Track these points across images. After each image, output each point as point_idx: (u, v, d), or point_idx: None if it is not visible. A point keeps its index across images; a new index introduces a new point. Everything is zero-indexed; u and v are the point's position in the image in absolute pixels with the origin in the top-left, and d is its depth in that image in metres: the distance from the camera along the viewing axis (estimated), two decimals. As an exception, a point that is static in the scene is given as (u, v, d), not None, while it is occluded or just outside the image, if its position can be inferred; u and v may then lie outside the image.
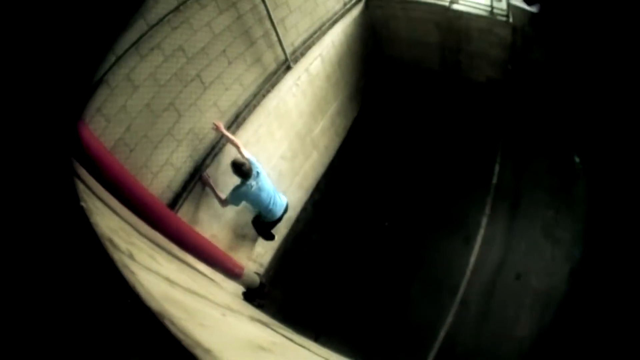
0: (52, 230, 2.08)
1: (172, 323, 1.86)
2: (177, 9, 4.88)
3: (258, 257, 7.00)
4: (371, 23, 8.15)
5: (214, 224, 5.93)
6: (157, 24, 4.68)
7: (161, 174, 5.13)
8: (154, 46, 4.73)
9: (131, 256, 2.65)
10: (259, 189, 5.57)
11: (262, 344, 3.29)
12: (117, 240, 2.61)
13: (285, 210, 6.21)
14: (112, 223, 3.21)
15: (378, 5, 7.87)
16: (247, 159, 5.46)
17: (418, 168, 7.66)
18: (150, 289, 2.20)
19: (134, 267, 2.39)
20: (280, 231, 7.30)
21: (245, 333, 3.48)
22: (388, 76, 8.94)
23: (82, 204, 2.37)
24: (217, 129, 5.45)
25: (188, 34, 5.12)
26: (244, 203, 5.74)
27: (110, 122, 4.41)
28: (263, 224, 6.25)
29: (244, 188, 5.45)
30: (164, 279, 2.99)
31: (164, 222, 4.79)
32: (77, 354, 1.69)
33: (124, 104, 4.52)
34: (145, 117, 4.81)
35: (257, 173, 5.52)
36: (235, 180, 5.53)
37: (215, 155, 5.74)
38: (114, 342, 1.76)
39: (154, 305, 1.93)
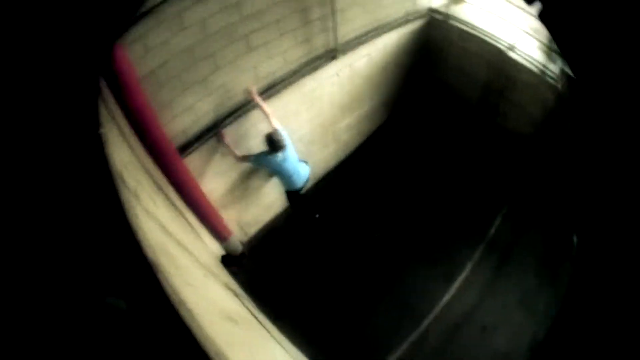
0: (67, 156, 2.08)
1: (164, 277, 1.84)
2: None
3: (246, 225, 6.93)
4: (426, 40, 7.96)
5: (216, 180, 5.85)
6: None
7: (180, 117, 5.04)
8: None
9: (136, 195, 2.63)
10: (284, 159, 5.62)
11: (231, 315, 3.31)
12: (126, 175, 2.57)
13: (307, 181, 6.30)
14: (124, 155, 3.16)
15: (438, 26, 7.70)
16: (276, 130, 5.46)
17: (424, 191, 7.52)
18: (149, 237, 2.18)
19: (138, 208, 2.36)
20: (275, 207, 7.27)
21: (220, 300, 3.47)
22: (425, 96, 8.75)
23: (101, 130, 2.37)
24: (249, 93, 5.35)
25: None
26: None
27: (148, 53, 4.31)
28: (287, 193, 6.39)
29: (269, 157, 5.54)
30: (160, 226, 2.95)
31: (170, 163, 4.77)
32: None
33: (167, 40, 4.42)
34: (184, 59, 4.70)
35: (285, 145, 5.54)
36: (255, 144, 5.67)
37: (239, 117, 5.63)
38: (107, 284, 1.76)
39: (150, 255, 1.90)
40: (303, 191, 6.42)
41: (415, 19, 7.55)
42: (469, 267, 6.33)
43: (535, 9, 6.05)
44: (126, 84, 3.87)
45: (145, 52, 4.28)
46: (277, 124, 5.49)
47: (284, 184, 6.06)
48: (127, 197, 2.18)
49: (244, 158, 5.57)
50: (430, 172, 7.80)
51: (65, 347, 1.62)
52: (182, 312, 1.82)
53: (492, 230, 6.69)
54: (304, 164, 6.15)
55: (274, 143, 5.39)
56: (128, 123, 4.10)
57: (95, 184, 2.06)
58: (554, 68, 6.30)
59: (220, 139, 5.40)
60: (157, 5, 4.12)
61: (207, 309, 2.62)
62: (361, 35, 6.76)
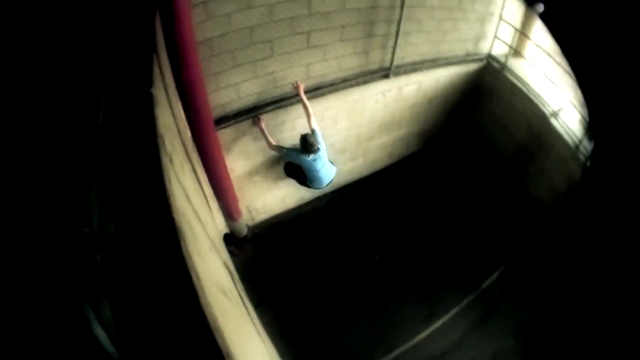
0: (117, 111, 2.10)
1: (183, 243, 1.87)
2: None
3: (255, 211, 6.93)
4: (478, 85, 7.94)
5: (240, 160, 5.87)
6: None
7: (224, 91, 5.08)
8: None
9: (171, 160, 2.64)
10: (314, 159, 5.53)
11: (225, 290, 3.36)
12: (166, 138, 2.58)
13: (329, 183, 6.20)
14: (166, 118, 3.18)
15: (493, 74, 7.68)
16: (313, 131, 5.45)
17: (433, 227, 7.45)
18: (177, 203, 2.20)
19: (171, 173, 2.38)
20: (287, 201, 7.28)
21: (218, 274, 3.50)
22: (460, 137, 8.73)
23: (152, 90, 2.37)
24: (296, 87, 5.36)
25: None
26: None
27: (208, 20, 4.39)
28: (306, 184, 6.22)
29: (302, 156, 5.47)
30: (184, 194, 2.98)
31: (205, 132, 4.77)
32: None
33: (230, 13, 4.49)
34: (242, 37, 4.76)
35: (319, 149, 5.45)
36: (287, 136, 5.81)
37: (279, 107, 5.66)
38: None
39: (177, 220, 1.93)
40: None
41: (473, 61, 7.55)
42: (452, 312, 6.25)
43: (537, 9, 6.15)
44: (182, 39, 3.86)
45: (206, 18, 4.35)
46: (315, 125, 5.45)
47: (308, 179, 5.91)
48: (164, 160, 2.20)
49: (276, 148, 5.53)
50: (444, 210, 7.74)
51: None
52: (193, 277, 1.87)
53: (485, 284, 6.59)
54: (331, 165, 6.00)
55: (307, 145, 5.32)
56: (175, 82, 4.11)
57: (139, 143, 2.08)
58: (588, 146, 6.24)
59: (256, 122, 5.39)
60: None
61: (210, 279, 2.66)
62: (417, 63, 6.75)
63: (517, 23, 7.63)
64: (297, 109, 5.67)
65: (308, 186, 6.07)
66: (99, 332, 1.60)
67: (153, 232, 1.86)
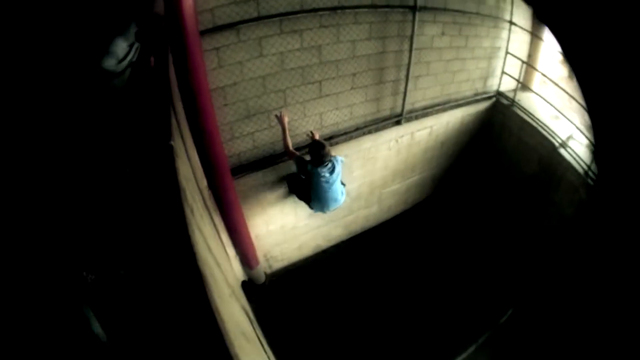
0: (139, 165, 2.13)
1: (208, 289, 1.90)
2: (334, 9, 4.61)
3: (272, 259, 6.55)
4: (487, 124, 7.61)
5: (256, 209, 5.56)
6: (309, 11, 4.45)
7: (240, 140, 4.87)
8: (297, 30, 4.48)
9: (192, 211, 2.56)
10: (324, 175, 4.74)
11: (245, 333, 3.30)
12: (187, 190, 2.55)
13: (335, 208, 5.39)
14: (185, 169, 3.07)
15: (502, 111, 7.34)
16: (326, 145, 4.70)
17: (447, 271, 6.98)
18: (200, 252, 2.16)
19: (193, 224, 2.32)
20: (304, 250, 6.91)
21: (238, 318, 3.45)
22: (472, 178, 8.33)
23: (172, 142, 2.37)
24: (312, 137, 4.91)
25: (331, 40, 4.82)
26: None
27: (221, 68, 4.20)
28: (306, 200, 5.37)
29: (312, 169, 4.68)
30: (205, 243, 2.90)
31: (222, 181, 4.49)
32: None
33: (242, 62, 4.30)
34: (255, 86, 4.57)
35: (333, 168, 4.74)
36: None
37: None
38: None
39: (201, 268, 1.92)
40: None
41: (483, 99, 7.25)
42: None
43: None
44: (198, 86, 3.63)
45: (218, 66, 4.18)
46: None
47: (312, 200, 5.12)
48: (187, 212, 2.15)
49: (292, 154, 4.73)
50: (459, 252, 7.29)
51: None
52: (217, 318, 1.85)
53: (498, 325, 5.99)
54: (342, 188, 5.24)
55: (318, 153, 4.53)
56: (192, 131, 3.92)
57: (163, 196, 2.07)
58: (596, 170, 5.86)
59: (279, 118, 4.60)
60: (240, 23, 4.06)
61: (231, 321, 2.65)
62: (428, 107, 6.46)
63: (524, 54, 7.42)
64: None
65: (310, 206, 5.28)
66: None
67: (179, 280, 1.85)
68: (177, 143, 2.69)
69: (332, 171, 4.72)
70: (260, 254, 6.03)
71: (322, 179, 4.74)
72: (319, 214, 5.77)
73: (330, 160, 4.68)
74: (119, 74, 2.49)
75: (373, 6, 4.92)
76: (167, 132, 2.48)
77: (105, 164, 2.11)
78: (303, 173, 4.89)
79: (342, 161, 4.90)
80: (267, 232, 6.02)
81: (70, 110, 2.14)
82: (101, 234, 1.85)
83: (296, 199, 5.50)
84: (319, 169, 4.63)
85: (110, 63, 2.41)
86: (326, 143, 4.58)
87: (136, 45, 2.59)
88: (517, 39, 7.15)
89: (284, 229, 6.20)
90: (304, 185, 5.05)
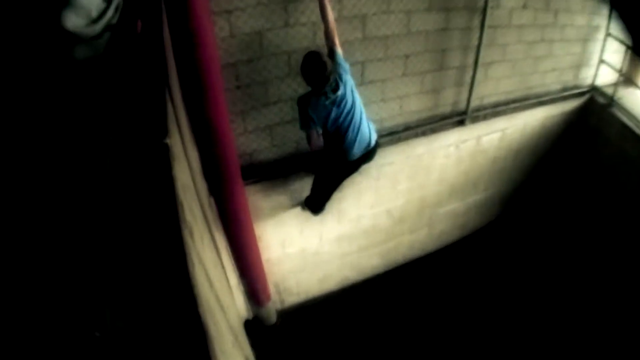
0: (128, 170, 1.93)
1: (210, 342, 1.76)
2: None
3: (286, 292, 6.22)
4: (577, 128, 7.03)
5: (270, 226, 5.24)
6: None
7: (254, 136, 4.59)
8: None
9: (191, 233, 2.34)
10: (333, 103, 3.79)
11: None
12: (185, 204, 2.32)
13: (371, 151, 4.32)
14: (184, 176, 2.81)
15: (597, 112, 6.75)
16: (333, 52, 3.86)
17: (508, 322, 6.40)
18: (201, 292, 1.98)
19: (193, 254, 2.12)
20: (328, 283, 6.54)
21: None
22: (554, 200, 7.75)
23: (167, 140, 2.17)
24: None
25: (379, 9, 4.41)
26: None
27: (233, 38, 3.89)
28: (331, 166, 4.41)
29: (314, 100, 3.75)
30: (206, 276, 2.69)
31: (229, 189, 4.16)
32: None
33: (262, 31, 3.99)
34: (277, 65, 4.28)
35: (337, 84, 3.76)
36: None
37: None
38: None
39: (203, 316, 1.78)
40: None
41: (572, 96, 6.70)
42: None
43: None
44: (202, 52, 3.23)
45: (229, 35, 3.87)
46: (338, 47, 3.90)
47: (332, 145, 4.06)
48: (186, 236, 1.94)
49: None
50: (524, 296, 6.73)
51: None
52: None
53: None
54: (371, 123, 4.26)
55: (315, 71, 3.58)
56: (192, 122, 3.58)
57: (156, 216, 1.87)
58: None
59: None
60: None
61: None
62: (501, 104, 5.98)
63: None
64: None
65: (338, 161, 4.25)
66: None
67: (178, 331, 1.67)
68: (174, 140, 2.40)
69: (336, 86, 3.77)
70: (270, 283, 5.69)
71: (333, 107, 3.81)
72: (347, 236, 5.70)
73: (335, 79, 3.76)
74: (91, 40, 2.09)
75: (436, -36, 4.48)
76: (162, 126, 2.20)
77: (72, 165, 1.87)
78: (307, 113, 3.81)
79: (340, 61, 3.88)
80: (282, 256, 5.68)
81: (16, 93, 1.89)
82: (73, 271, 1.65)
83: (322, 214, 5.19)
84: (324, 99, 3.74)
85: (77, 22, 1.99)
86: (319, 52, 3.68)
87: (117, 0, 2.18)
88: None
89: (303, 254, 5.85)
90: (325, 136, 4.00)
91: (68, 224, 1.72)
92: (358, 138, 4.03)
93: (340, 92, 3.75)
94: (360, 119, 4.01)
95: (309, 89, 3.71)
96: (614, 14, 6.16)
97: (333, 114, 3.81)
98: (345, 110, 3.87)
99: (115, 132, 2.04)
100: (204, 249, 3.09)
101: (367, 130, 4.12)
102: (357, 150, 4.11)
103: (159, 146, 2.08)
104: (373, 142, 4.23)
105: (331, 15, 3.75)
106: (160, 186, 1.93)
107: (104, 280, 1.64)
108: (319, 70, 3.53)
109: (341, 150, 4.05)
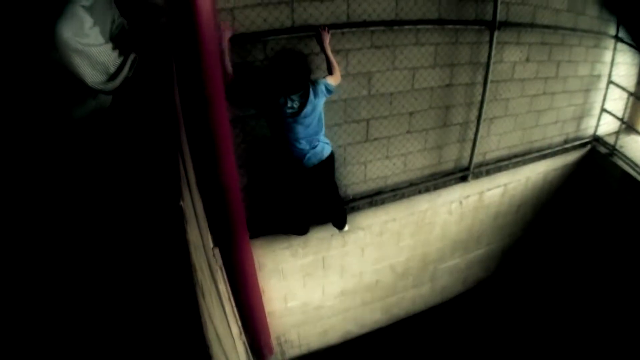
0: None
1: None
2: (390, 24, 4.04)
3: (287, 344, 5.99)
4: (579, 180, 6.84)
5: (272, 279, 5.06)
6: (359, 25, 3.93)
7: (260, 189, 4.44)
8: (341, 49, 4.00)
9: (203, 293, 2.30)
10: (294, 116, 3.47)
11: None
12: (196, 263, 2.26)
13: (324, 160, 3.82)
14: (194, 235, 2.72)
15: (599, 163, 6.57)
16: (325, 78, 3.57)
17: None
18: (214, 351, 1.95)
19: (206, 315, 2.06)
20: (330, 336, 6.31)
21: None
22: (556, 254, 7.48)
23: (181, 203, 2.14)
24: (322, 34, 3.59)
25: (384, 66, 4.27)
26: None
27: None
28: (289, 179, 3.96)
29: (273, 99, 3.42)
30: (215, 333, 2.57)
31: (236, 245, 3.97)
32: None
33: None
34: None
35: (306, 98, 3.45)
36: (338, 254, 5.06)
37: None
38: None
39: None
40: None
41: (574, 148, 6.53)
42: None
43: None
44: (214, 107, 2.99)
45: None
46: (333, 78, 3.62)
47: (287, 151, 3.68)
48: (199, 298, 1.90)
49: (232, 83, 3.29)
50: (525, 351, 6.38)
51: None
52: None
53: None
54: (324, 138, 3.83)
55: (284, 71, 3.29)
56: (199, 178, 3.38)
57: (170, 275, 1.82)
58: None
59: (222, 30, 3.23)
60: (269, 34, 3.60)
61: None
62: (503, 159, 5.79)
63: (631, 83, 6.70)
64: (351, 220, 4.79)
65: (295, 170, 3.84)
66: None
67: None
68: (186, 202, 2.37)
69: (304, 101, 3.44)
70: (272, 336, 5.49)
71: (291, 118, 3.45)
72: (350, 291, 5.52)
73: (307, 94, 3.46)
74: (107, 94, 2.06)
75: (440, 21, 4.32)
76: (176, 188, 2.14)
77: (85, 226, 1.85)
78: (250, 103, 3.50)
79: (326, 86, 3.57)
80: (284, 310, 5.49)
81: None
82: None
83: (324, 269, 5.15)
84: (285, 101, 3.40)
85: (95, 78, 1.92)
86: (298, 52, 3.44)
87: (132, 56, 2.09)
88: (624, 62, 6.46)
89: (305, 308, 5.66)
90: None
91: (84, 286, 1.69)
92: (308, 155, 3.69)
93: (306, 110, 3.44)
94: (318, 142, 3.71)
95: None
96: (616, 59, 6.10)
97: (287, 124, 3.48)
98: (302, 129, 3.54)
99: (128, 193, 2.00)
100: (212, 305, 2.99)
101: (321, 149, 3.76)
102: (310, 161, 3.73)
103: (172, 209, 2.03)
104: (326, 155, 3.81)
105: (332, 58, 3.60)
106: (174, 250, 1.89)
107: (120, 345, 1.60)
108: (297, 72, 3.29)
109: (293, 159, 3.70)
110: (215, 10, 2.68)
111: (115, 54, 1.96)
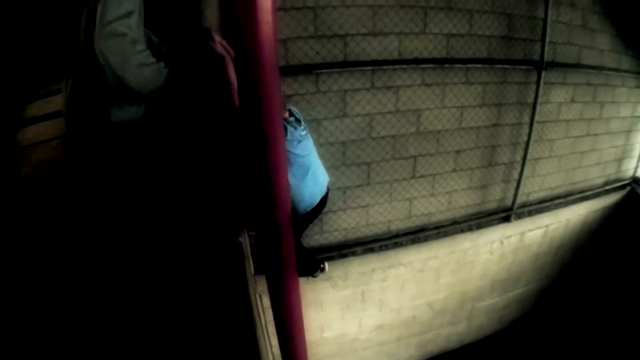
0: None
1: None
2: (440, 63, 3.77)
3: None
4: (617, 224, 6.28)
5: (311, 310, 4.72)
6: (410, 62, 3.65)
7: None
8: (392, 86, 3.74)
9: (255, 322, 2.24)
10: (297, 137, 2.77)
11: None
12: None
13: (325, 197, 3.19)
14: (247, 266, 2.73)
15: (637, 205, 6.03)
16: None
17: None
18: None
19: (261, 339, 2.08)
20: None
21: None
22: (592, 296, 6.85)
23: (240, 239, 2.22)
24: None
25: (433, 103, 3.98)
26: None
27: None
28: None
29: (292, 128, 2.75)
30: None
31: (284, 275, 3.36)
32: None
33: (319, 119, 3.70)
34: (332, 154, 3.91)
35: (298, 119, 2.89)
36: (376, 288, 4.72)
37: (371, 251, 4.49)
38: None
39: None
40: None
41: (614, 190, 6.02)
42: None
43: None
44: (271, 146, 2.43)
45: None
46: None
47: (300, 192, 2.93)
48: (258, 331, 1.93)
49: None
50: None
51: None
52: None
53: None
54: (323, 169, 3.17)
55: None
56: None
57: (232, 308, 1.86)
58: None
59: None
60: (321, 67, 3.34)
61: None
62: (546, 200, 5.33)
63: None
64: (393, 256, 4.59)
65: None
66: None
67: None
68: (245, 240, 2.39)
69: (304, 131, 2.87)
70: None
71: (295, 141, 2.76)
72: (387, 325, 5.17)
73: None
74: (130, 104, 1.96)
75: (489, 60, 4.00)
76: (235, 226, 2.22)
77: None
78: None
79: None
80: (320, 340, 5.15)
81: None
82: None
83: (363, 302, 4.82)
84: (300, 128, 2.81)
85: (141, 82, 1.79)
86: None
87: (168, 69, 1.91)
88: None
89: (341, 339, 5.31)
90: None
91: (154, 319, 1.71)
92: (316, 178, 3.00)
93: (303, 128, 2.84)
94: (315, 160, 2.99)
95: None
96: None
97: (305, 150, 2.82)
98: (306, 144, 2.86)
99: (190, 230, 2.03)
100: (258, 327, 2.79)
101: (321, 179, 3.07)
102: (316, 193, 3.04)
103: (232, 245, 2.10)
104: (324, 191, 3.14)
105: None
106: (235, 283, 1.93)
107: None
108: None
109: (309, 187, 2.95)
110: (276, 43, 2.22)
111: (165, 69, 1.86)
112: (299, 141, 2.75)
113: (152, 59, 1.77)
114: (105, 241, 1.93)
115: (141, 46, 1.73)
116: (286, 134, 2.63)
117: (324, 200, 3.13)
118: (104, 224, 1.98)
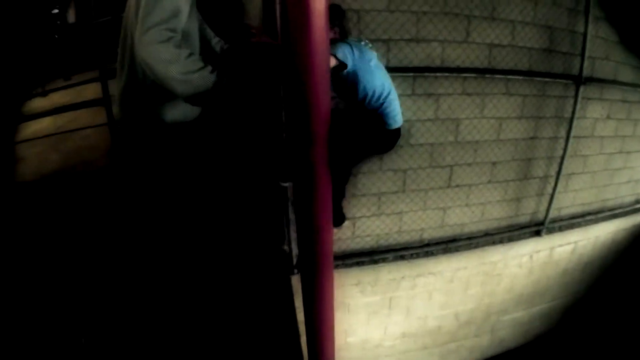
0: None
1: None
2: (482, 72, 3.60)
3: None
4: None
5: (337, 313, 4.23)
6: (452, 70, 3.48)
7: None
8: (432, 94, 3.60)
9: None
10: (374, 62, 2.57)
11: None
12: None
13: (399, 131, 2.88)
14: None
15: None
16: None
17: None
18: None
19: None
20: None
21: None
22: (620, 315, 6.51)
23: (285, 247, 2.28)
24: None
25: (473, 113, 3.80)
26: None
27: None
28: (368, 142, 2.79)
29: (350, 47, 2.42)
30: None
31: (320, 274, 3.20)
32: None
33: None
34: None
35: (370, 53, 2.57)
36: (404, 295, 4.55)
37: (401, 258, 4.24)
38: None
39: None
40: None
41: None
42: None
43: None
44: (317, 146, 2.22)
45: None
46: None
47: (379, 113, 2.69)
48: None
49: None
50: None
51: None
52: None
53: None
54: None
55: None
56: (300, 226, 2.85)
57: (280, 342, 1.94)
58: None
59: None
60: None
61: None
62: (577, 216, 5.07)
63: None
64: (423, 264, 4.37)
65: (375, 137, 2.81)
66: None
67: None
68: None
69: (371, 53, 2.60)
70: None
71: (369, 62, 2.53)
72: (412, 333, 4.99)
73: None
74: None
75: (530, 73, 3.80)
76: (288, 264, 2.21)
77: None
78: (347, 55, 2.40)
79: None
80: (343, 344, 4.88)
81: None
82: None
83: (390, 309, 4.64)
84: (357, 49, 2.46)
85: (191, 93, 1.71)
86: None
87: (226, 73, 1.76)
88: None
89: (365, 345, 5.07)
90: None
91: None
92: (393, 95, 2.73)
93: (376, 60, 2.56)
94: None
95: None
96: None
97: (375, 67, 2.54)
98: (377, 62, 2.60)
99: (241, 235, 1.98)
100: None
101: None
102: (397, 111, 2.76)
103: (283, 282, 2.10)
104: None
105: None
106: (285, 318, 1.91)
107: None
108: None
109: (377, 116, 2.68)
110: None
111: (212, 74, 1.69)
112: (367, 63, 2.50)
113: (200, 64, 1.62)
114: (161, 241, 1.89)
115: (187, 50, 1.59)
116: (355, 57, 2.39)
117: (398, 133, 2.83)
118: (155, 224, 1.92)
